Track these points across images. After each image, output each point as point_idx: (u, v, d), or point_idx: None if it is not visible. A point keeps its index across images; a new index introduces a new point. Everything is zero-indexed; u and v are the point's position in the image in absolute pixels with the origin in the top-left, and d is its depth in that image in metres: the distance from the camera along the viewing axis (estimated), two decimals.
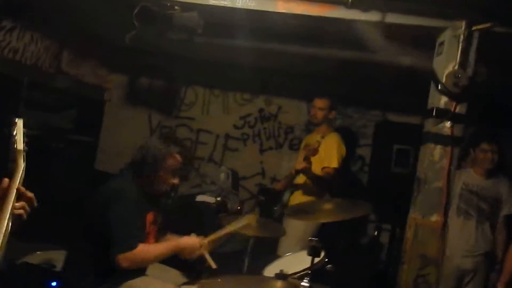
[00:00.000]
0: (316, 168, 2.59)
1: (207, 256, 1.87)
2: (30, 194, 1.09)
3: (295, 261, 1.87)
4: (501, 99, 2.61)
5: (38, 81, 2.97)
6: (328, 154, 2.61)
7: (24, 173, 1.09)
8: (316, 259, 1.66)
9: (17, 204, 1.05)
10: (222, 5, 1.90)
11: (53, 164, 2.94)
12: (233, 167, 3.57)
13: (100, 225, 1.59)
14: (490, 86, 1.90)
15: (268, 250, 2.50)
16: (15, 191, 1.04)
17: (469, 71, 1.82)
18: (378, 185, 3.09)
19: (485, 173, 2.45)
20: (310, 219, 2.12)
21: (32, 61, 2.91)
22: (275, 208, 2.85)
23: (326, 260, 1.78)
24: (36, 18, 2.74)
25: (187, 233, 1.81)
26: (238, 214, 3.23)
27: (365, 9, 1.83)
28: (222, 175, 3.45)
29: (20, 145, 1.09)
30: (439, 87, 1.85)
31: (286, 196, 2.84)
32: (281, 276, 1.60)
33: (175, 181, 1.73)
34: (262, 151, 3.61)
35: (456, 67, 1.81)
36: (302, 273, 1.69)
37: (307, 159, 2.52)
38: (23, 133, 1.11)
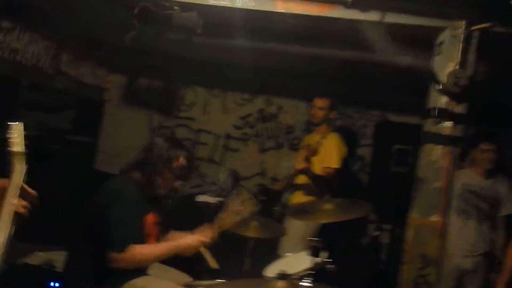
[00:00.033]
0: (317, 168, 2.59)
1: (208, 256, 1.86)
2: (33, 192, 1.10)
3: (295, 261, 1.87)
4: (500, 98, 2.61)
5: (37, 82, 2.98)
6: (328, 154, 2.61)
7: (26, 174, 1.10)
8: (318, 259, 1.67)
9: (19, 202, 1.06)
10: (222, 5, 1.90)
11: (52, 165, 2.94)
12: (233, 167, 3.57)
13: (100, 225, 1.59)
14: (489, 85, 1.90)
15: (268, 250, 2.50)
16: (13, 191, 1.05)
17: (469, 71, 1.82)
18: (378, 185, 3.09)
19: (485, 173, 2.46)
20: (310, 219, 2.12)
21: (32, 61, 2.91)
22: (275, 208, 2.85)
23: (327, 260, 1.78)
24: (36, 18, 2.74)
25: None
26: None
27: (365, 9, 1.82)
28: (222, 175, 3.45)
29: (20, 147, 1.11)
30: (439, 87, 1.85)
31: (286, 196, 2.84)
32: (282, 276, 1.60)
33: (177, 184, 1.73)
34: (262, 151, 3.62)
35: (456, 67, 1.81)
36: (304, 273, 1.69)
37: (307, 159, 2.52)
38: (23, 136, 1.12)
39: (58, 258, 2.18)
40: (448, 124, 1.85)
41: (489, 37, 1.80)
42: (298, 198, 2.68)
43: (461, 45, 1.81)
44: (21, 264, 2.12)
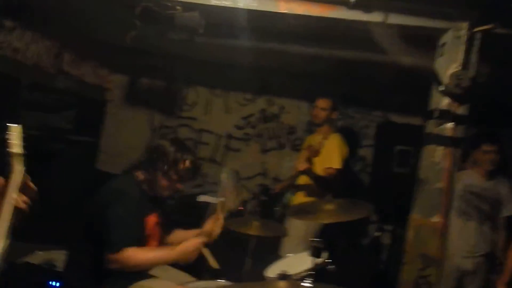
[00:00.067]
0: (318, 169, 2.59)
1: (208, 256, 1.86)
2: (33, 187, 1.12)
3: (296, 261, 1.87)
4: (502, 99, 2.60)
5: (38, 81, 2.98)
6: (330, 154, 2.61)
7: (23, 176, 1.11)
8: (319, 260, 1.67)
9: (19, 198, 1.08)
10: (224, 5, 1.90)
11: (54, 165, 2.94)
12: (235, 167, 3.57)
13: (100, 225, 1.59)
14: (491, 86, 1.90)
15: (269, 250, 2.50)
16: (14, 187, 1.07)
17: (471, 72, 1.82)
18: (379, 186, 3.09)
19: (486, 174, 2.45)
20: (311, 219, 2.12)
21: (33, 61, 2.91)
22: (277, 208, 2.85)
23: (328, 260, 1.78)
24: (37, 18, 2.74)
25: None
26: (240, 215, 3.23)
27: (367, 10, 1.82)
28: (224, 175, 3.45)
29: (18, 149, 1.12)
30: (441, 88, 1.85)
31: (287, 197, 2.84)
32: (283, 276, 1.60)
33: (180, 186, 1.72)
34: (264, 151, 3.62)
35: (458, 68, 1.81)
36: (304, 273, 1.69)
37: (308, 160, 2.52)
38: (22, 138, 1.14)
39: (59, 257, 2.18)
40: (450, 125, 1.85)
41: (492, 38, 1.80)
42: (300, 198, 2.68)
43: (463, 47, 1.81)
44: (22, 263, 2.12)
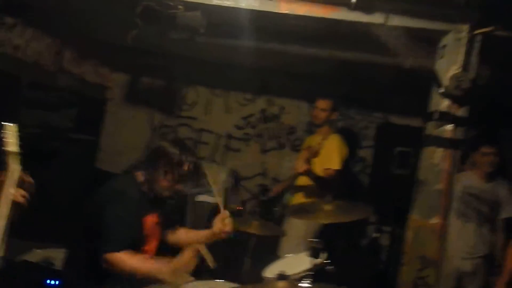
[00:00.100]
0: (318, 169, 2.59)
1: (206, 255, 1.86)
2: (29, 179, 1.13)
3: (295, 262, 1.87)
4: (502, 100, 2.61)
5: (39, 79, 2.97)
6: (329, 155, 2.61)
7: (20, 174, 1.12)
8: (318, 260, 1.67)
9: (17, 192, 1.09)
10: (226, 5, 1.90)
11: (53, 163, 2.94)
12: (234, 167, 3.57)
13: (97, 224, 1.58)
14: (491, 88, 1.90)
15: (268, 250, 2.50)
16: (11, 182, 1.08)
17: (471, 74, 1.83)
18: (379, 187, 3.09)
19: (485, 176, 2.46)
20: (310, 218, 2.12)
21: (33, 58, 2.90)
22: (276, 209, 2.86)
23: (327, 261, 1.79)
24: (38, 15, 2.73)
25: None
26: (239, 214, 3.23)
27: (368, 11, 1.83)
28: (223, 175, 3.45)
29: (14, 148, 1.13)
30: (441, 90, 1.86)
31: (287, 197, 2.84)
32: (282, 277, 1.60)
33: (180, 187, 1.71)
34: (264, 151, 3.62)
35: (459, 70, 1.81)
36: (303, 274, 1.69)
37: (308, 160, 2.52)
38: (17, 137, 1.15)
39: (57, 256, 2.17)
40: (449, 127, 1.86)
41: (492, 40, 1.80)
42: (299, 199, 2.68)
43: (464, 49, 1.82)
44: (20, 262, 2.11)
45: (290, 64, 3.00)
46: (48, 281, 1.98)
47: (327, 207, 1.84)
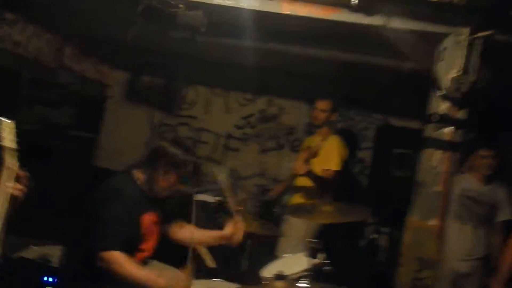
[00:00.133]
0: (317, 170, 2.59)
1: (205, 254, 1.86)
2: (23, 175, 1.13)
3: (293, 262, 1.87)
4: (501, 103, 2.62)
5: (39, 75, 2.96)
6: (328, 156, 2.61)
7: (18, 170, 1.13)
8: (315, 260, 1.67)
9: (13, 185, 1.10)
10: (227, 4, 1.90)
11: (53, 160, 2.93)
12: (233, 167, 3.57)
13: (95, 222, 1.58)
14: (490, 90, 1.91)
15: (266, 250, 2.50)
16: (8, 176, 1.09)
17: (471, 77, 1.84)
18: (377, 188, 3.10)
19: (483, 178, 2.47)
20: (309, 219, 2.12)
21: (34, 55, 2.90)
22: (274, 210, 2.85)
23: (325, 261, 1.79)
24: (39, 11, 2.73)
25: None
26: (237, 214, 3.22)
27: (369, 13, 1.83)
28: (222, 175, 3.44)
29: (11, 144, 1.13)
30: (441, 92, 1.87)
31: (286, 198, 2.84)
32: (279, 277, 1.60)
33: (179, 188, 1.71)
34: (262, 151, 3.62)
35: (459, 73, 1.82)
36: (301, 274, 1.70)
37: (307, 161, 2.52)
38: (15, 134, 1.15)
39: (54, 253, 2.17)
40: (448, 129, 1.87)
41: (492, 44, 1.81)
42: (298, 200, 2.68)
43: (464, 52, 1.82)
44: (16, 258, 2.11)
45: (291, 64, 3.00)
46: (44, 278, 1.98)
47: (326, 208, 1.84)
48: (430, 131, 1.92)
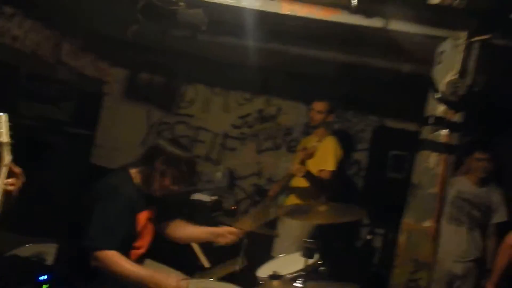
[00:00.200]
0: (313, 171, 2.60)
1: (200, 254, 1.86)
2: (17, 170, 1.12)
3: (288, 262, 1.88)
4: (497, 106, 2.64)
5: (37, 71, 2.94)
6: (324, 156, 2.62)
7: (12, 164, 1.11)
8: (311, 261, 1.68)
9: (7, 180, 1.08)
10: (227, 3, 1.90)
11: (49, 156, 2.91)
12: (230, 166, 3.57)
13: (90, 220, 1.56)
14: (487, 94, 1.93)
15: (262, 250, 2.50)
16: (1, 172, 1.07)
17: (468, 80, 1.85)
18: (373, 190, 3.11)
19: (478, 181, 2.49)
20: (304, 219, 2.13)
21: (32, 49, 2.87)
22: (270, 210, 2.85)
23: (320, 262, 1.80)
24: (38, 6, 2.71)
25: None
26: (233, 213, 3.23)
27: (369, 15, 1.84)
28: (219, 174, 3.45)
29: (5, 138, 1.11)
30: (437, 95, 1.88)
31: (281, 198, 2.85)
32: (275, 277, 1.60)
33: (175, 188, 1.67)
34: (259, 151, 3.62)
35: (455, 76, 1.84)
36: (296, 274, 1.70)
37: (303, 162, 2.53)
38: (8, 127, 1.13)
39: (49, 251, 2.15)
40: (445, 132, 1.88)
41: (489, 48, 1.83)
42: (293, 200, 2.69)
43: (461, 55, 1.84)
44: (10, 256, 2.09)
45: (290, 64, 3.01)
46: (38, 277, 1.96)
47: (322, 208, 1.85)
48: (426, 133, 1.94)
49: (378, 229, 3.21)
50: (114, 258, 1.52)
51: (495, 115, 2.71)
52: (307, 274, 1.65)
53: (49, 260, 2.06)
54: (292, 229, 2.55)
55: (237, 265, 1.77)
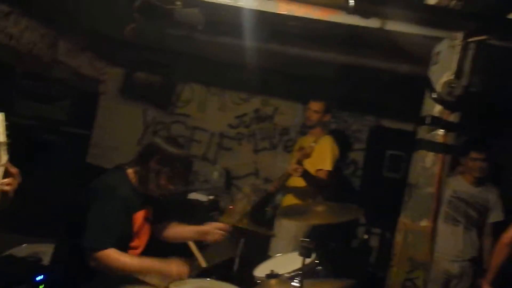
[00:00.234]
0: (310, 171, 2.61)
1: (197, 254, 1.86)
2: (14, 170, 1.11)
3: (285, 261, 1.88)
4: (493, 106, 2.66)
5: (33, 70, 2.92)
6: (321, 156, 2.63)
7: (9, 164, 1.10)
8: (308, 260, 1.68)
9: (3, 180, 1.07)
10: (224, 3, 1.90)
11: (45, 155, 2.89)
12: (226, 166, 3.57)
13: (87, 220, 1.55)
14: (483, 94, 1.95)
15: (259, 250, 2.51)
16: None
17: (464, 80, 1.87)
18: (370, 189, 3.12)
19: (475, 181, 2.51)
20: (301, 220, 2.13)
21: (28, 48, 2.85)
22: (267, 209, 2.86)
23: (317, 261, 1.80)
24: (34, 4, 2.69)
25: None
26: (230, 213, 3.23)
27: (366, 15, 1.85)
28: (215, 174, 3.45)
29: (1, 137, 1.10)
30: (434, 95, 1.89)
31: (278, 198, 2.85)
32: (272, 276, 1.61)
33: (172, 187, 1.67)
34: (256, 151, 3.62)
35: (452, 76, 1.85)
36: (293, 273, 1.70)
37: (299, 162, 2.53)
38: (5, 126, 1.12)
39: (46, 250, 2.14)
40: (441, 132, 1.89)
41: (486, 48, 1.84)
42: (290, 200, 2.69)
43: (457, 56, 1.85)
44: (6, 256, 2.07)
45: (287, 64, 3.01)
46: (34, 277, 1.95)
47: (318, 208, 1.85)
48: (422, 133, 1.95)
49: (374, 228, 3.22)
50: (113, 255, 1.52)
51: (492, 115, 2.73)
52: (304, 273, 1.66)
53: (46, 260, 2.05)
54: (289, 229, 2.56)
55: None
